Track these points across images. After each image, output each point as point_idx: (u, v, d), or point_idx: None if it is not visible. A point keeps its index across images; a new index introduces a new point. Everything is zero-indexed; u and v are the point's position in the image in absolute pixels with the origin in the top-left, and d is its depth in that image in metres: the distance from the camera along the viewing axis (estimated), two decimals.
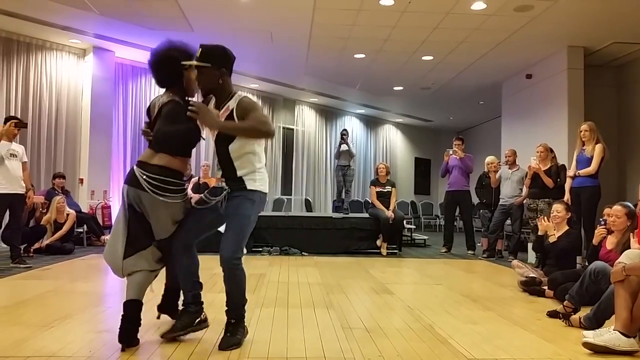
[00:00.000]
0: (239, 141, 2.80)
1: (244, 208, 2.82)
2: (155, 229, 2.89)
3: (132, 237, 2.85)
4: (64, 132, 9.00)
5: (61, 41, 8.81)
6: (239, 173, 2.83)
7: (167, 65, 2.89)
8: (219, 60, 2.85)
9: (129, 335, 2.80)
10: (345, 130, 9.09)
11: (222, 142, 2.83)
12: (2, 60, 8.21)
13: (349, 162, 8.61)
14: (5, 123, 5.73)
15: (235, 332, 2.88)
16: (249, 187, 2.83)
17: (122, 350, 2.75)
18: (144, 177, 2.76)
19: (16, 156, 5.72)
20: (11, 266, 5.65)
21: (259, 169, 2.89)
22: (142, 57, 8.84)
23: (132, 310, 2.81)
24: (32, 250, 6.81)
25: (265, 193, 2.94)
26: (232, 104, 2.84)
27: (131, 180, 2.82)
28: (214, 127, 2.77)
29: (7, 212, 5.74)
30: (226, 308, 2.91)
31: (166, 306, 3.21)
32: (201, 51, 2.83)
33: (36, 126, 8.60)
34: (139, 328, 2.85)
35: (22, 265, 5.69)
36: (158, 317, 3.18)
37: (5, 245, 5.98)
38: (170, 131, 2.76)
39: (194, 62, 2.82)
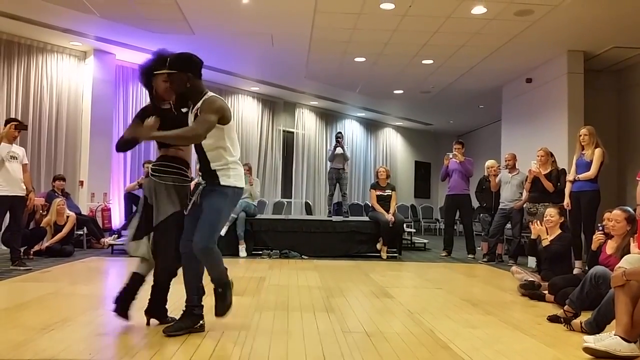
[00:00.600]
0: (210, 138, 3.04)
1: (216, 202, 3.08)
2: (155, 212, 3.16)
3: (141, 223, 3.21)
4: (64, 134, 9.01)
5: (62, 44, 8.83)
6: (212, 166, 3.10)
7: (141, 75, 3.27)
8: (184, 65, 3.09)
9: (124, 303, 3.21)
10: (340, 133, 9.07)
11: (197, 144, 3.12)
12: (3, 63, 8.22)
13: (343, 165, 8.59)
14: (5, 125, 5.73)
15: (224, 297, 3.15)
16: (222, 183, 3.09)
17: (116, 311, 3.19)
18: (150, 166, 3.24)
19: (16, 158, 5.72)
20: (11, 268, 5.65)
21: (232, 162, 3.14)
22: (143, 59, 8.84)
23: (134, 282, 3.24)
24: (32, 252, 6.80)
25: (241, 187, 3.18)
26: (199, 104, 3.09)
27: (146, 173, 3.40)
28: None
29: (7, 214, 5.75)
30: (214, 286, 3.16)
31: (154, 310, 3.26)
32: (169, 60, 3.11)
33: (37, 128, 8.61)
34: (133, 303, 3.24)
35: (22, 268, 5.69)
36: (147, 324, 3.22)
37: (5, 248, 5.97)
38: None
39: (163, 71, 3.13)
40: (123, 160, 9.88)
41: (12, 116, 7.63)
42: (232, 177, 3.11)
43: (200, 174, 3.20)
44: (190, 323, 3.12)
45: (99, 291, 5.00)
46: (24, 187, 5.83)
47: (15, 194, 5.68)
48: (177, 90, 3.13)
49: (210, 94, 3.13)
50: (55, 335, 3.07)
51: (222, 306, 3.15)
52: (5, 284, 4.89)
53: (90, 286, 5.06)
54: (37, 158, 8.62)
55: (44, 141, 8.71)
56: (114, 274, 6.25)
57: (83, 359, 2.66)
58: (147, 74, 3.18)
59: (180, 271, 3.22)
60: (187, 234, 3.10)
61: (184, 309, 3.16)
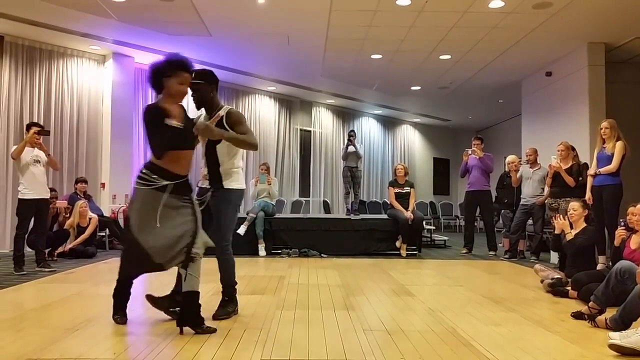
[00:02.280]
0: (224, 143, 3.42)
1: (224, 206, 3.49)
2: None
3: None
4: (85, 137, 9.14)
5: (82, 48, 8.96)
6: (221, 170, 3.47)
7: (152, 75, 3.29)
8: (211, 79, 3.53)
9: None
10: (352, 131, 9.04)
11: (212, 144, 3.45)
12: (25, 68, 8.37)
13: (356, 163, 8.56)
14: (27, 129, 5.85)
15: (226, 306, 3.55)
16: (226, 187, 3.48)
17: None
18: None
19: (40, 162, 5.84)
20: (36, 270, 5.77)
21: (236, 167, 3.54)
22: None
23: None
24: (55, 254, 6.94)
25: (243, 189, 3.61)
26: (221, 113, 3.48)
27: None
28: (219, 137, 3.34)
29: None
30: (222, 289, 3.58)
31: (184, 319, 3.22)
32: (195, 73, 3.38)
33: (58, 132, 8.75)
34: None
35: (46, 269, 5.80)
36: (181, 332, 3.17)
37: (30, 250, 6.09)
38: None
39: (194, 81, 3.39)
40: (143, 161, 9.96)
41: (35, 120, 7.77)
42: (234, 181, 3.51)
43: (207, 177, 3.54)
44: (233, 309, 3.62)
45: None
46: (48, 190, 5.96)
47: (41, 196, 5.80)
48: (200, 99, 3.49)
49: (227, 106, 3.56)
50: (80, 335, 3.12)
51: (221, 312, 3.49)
52: (32, 285, 5.00)
53: (113, 287, 5.13)
54: (59, 161, 8.75)
55: (66, 144, 8.85)
56: None
57: (107, 358, 2.71)
58: (159, 74, 3.23)
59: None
60: (212, 236, 3.36)
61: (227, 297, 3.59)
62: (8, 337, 3.09)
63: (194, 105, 3.56)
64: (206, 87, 3.48)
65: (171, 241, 3.05)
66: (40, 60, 8.57)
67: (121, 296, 3.42)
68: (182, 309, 3.23)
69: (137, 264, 3.22)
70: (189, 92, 3.35)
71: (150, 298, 3.47)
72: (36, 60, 8.52)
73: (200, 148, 3.49)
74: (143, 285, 5.35)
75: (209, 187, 3.52)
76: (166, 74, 3.18)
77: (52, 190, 6.51)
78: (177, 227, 3.08)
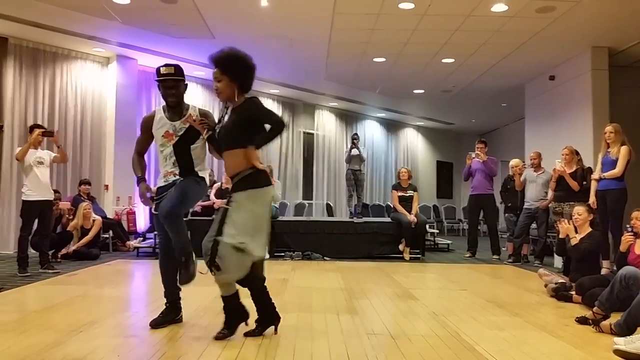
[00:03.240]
0: (198, 144, 3.38)
1: (189, 182, 3.34)
2: None
3: None
4: (89, 139, 9.16)
5: (85, 50, 8.98)
6: (195, 168, 3.39)
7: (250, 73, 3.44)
8: (183, 75, 3.44)
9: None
10: (356, 134, 9.04)
11: (185, 144, 3.36)
12: (29, 70, 8.39)
13: (360, 166, 8.55)
14: (30, 131, 5.86)
15: (187, 266, 3.19)
16: (200, 175, 3.41)
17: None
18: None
19: (43, 163, 5.85)
20: (40, 272, 5.78)
21: (204, 166, 3.49)
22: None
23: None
24: (59, 255, 6.95)
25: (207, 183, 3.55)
26: (192, 112, 3.39)
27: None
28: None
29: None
30: (179, 255, 3.22)
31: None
32: (175, 68, 3.38)
33: (62, 133, 8.75)
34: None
35: (50, 271, 5.81)
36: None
37: (34, 251, 6.10)
38: None
39: (176, 77, 3.37)
40: (147, 163, 9.99)
41: (39, 122, 7.81)
42: (203, 174, 3.44)
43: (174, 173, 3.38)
44: (174, 315, 3.46)
45: (126, 293, 5.08)
46: (52, 192, 5.98)
47: (45, 198, 5.81)
48: (178, 98, 3.39)
49: (191, 104, 3.50)
50: (84, 337, 3.13)
51: (185, 275, 3.21)
52: (35, 287, 5.01)
53: (117, 289, 5.14)
54: (62, 164, 8.78)
55: (70, 146, 8.86)
56: (140, 276, 6.34)
57: None
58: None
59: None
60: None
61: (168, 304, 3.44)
62: (12, 338, 3.09)
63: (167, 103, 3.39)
64: (182, 84, 3.40)
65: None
66: (44, 62, 8.59)
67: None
68: None
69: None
70: (161, 90, 3.34)
71: None
72: (40, 62, 8.54)
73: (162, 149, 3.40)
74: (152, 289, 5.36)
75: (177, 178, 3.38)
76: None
77: (55, 192, 6.53)
78: None
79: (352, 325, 3.55)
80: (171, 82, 3.31)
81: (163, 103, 3.44)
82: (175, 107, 3.36)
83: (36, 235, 6.02)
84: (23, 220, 5.76)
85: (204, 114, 3.42)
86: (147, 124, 3.46)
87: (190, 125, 3.31)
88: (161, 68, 3.34)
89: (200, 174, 3.41)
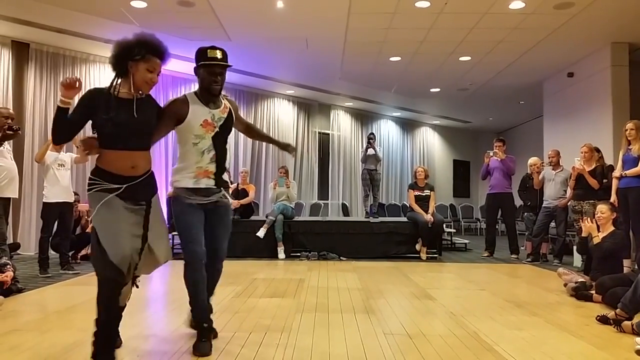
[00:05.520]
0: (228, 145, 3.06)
1: (230, 215, 3.10)
2: None
3: None
4: None
5: (104, 54, 9.08)
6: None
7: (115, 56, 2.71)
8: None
9: None
10: (372, 134, 9.01)
11: (223, 137, 3.00)
12: (49, 74, 8.54)
13: (375, 166, 8.52)
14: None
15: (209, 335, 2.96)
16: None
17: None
18: None
19: (64, 165, 5.94)
20: (60, 272, 5.87)
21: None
22: (182, 67, 9.02)
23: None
24: (79, 257, 7.05)
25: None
26: (226, 104, 3.05)
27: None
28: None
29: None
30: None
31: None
32: (222, 53, 2.99)
33: (81, 135, 8.87)
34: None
35: (70, 272, 5.90)
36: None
37: (54, 253, 6.20)
38: None
39: (224, 63, 2.98)
40: (165, 165, 10.10)
41: None
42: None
43: (214, 179, 2.97)
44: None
45: (144, 293, 5.12)
46: (72, 194, 6.08)
47: (65, 200, 5.90)
48: (222, 85, 2.98)
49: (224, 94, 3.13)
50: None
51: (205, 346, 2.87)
52: (56, 288, 5.08)
53: (136, 289, 5.19)
54: (82, 165, 8.89)
55: None
56: (157, 276, 6.39)
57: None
58: (125, 55, 2.65)
59: None
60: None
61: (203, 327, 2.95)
62: (33, 338, 3.14)
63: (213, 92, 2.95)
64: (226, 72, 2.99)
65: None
66: (64, 67, 8.73)
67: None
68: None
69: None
70: (204, 75, 2.93)
71: None
72: (60, 66, 8.68)
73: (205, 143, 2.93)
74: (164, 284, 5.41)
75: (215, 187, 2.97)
76: (134, 56, 2.64)
77: (75, 194, 6.62)
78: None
79: (369, 325, 3.54)
80: (219, 68, 2.93)
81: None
82: (218, 95, 2.98)
83: (56, 236, 6.11)
84: (43, 222, 5.86)
85: (234, 103, 3.14)
86: (179, 109, 2.91)
87: (228, 115, 2.99)
88: (208, 50, 2.95)
89: (225, 177, 3.07)
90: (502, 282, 5.84)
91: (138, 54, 2.65)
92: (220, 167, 2.98)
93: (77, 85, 2.62)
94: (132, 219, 2.63)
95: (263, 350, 2.92)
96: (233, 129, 3.12)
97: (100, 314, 2.65)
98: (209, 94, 2.95)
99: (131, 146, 2.67)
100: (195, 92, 3.01)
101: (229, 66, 2.98)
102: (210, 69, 2.92)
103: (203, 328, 2.91)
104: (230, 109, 3.04)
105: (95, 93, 2.67)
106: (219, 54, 2.95)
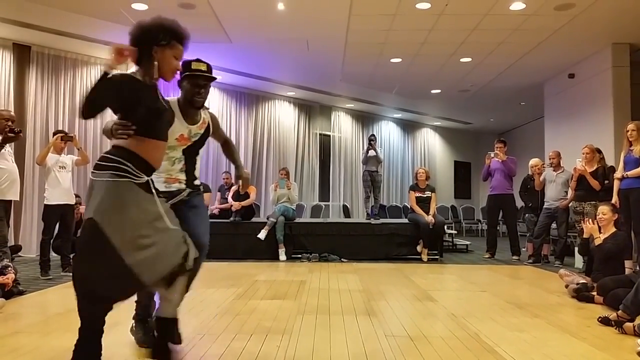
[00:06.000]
0: (202, 151, 3.03)
1: (203, 205, 3.02)
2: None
3: None
4: (109, 143, 9.27)
5: (105, 56, 9.11)
6: (197, 175, 3.02)
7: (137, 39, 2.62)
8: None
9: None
10: (373, 135, 9.02)
11: (195, 151, 2.97)
12: (51, 76, 8.56)
13: (376, 167, 8.52)
14: (54, 136, 5.99)
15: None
16: (197, 184, 2.99)
17: None
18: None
19: (65, 167, 5.95)
20: (62, 275, 5.87)
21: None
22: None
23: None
24: None
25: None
26: (205, 117, 2.99)
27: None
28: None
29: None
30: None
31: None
32: (207, 66, 2.93)
33: (83, 138, 8.90)
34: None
35: (71, 274, 5.89)
36: None
37: (56, 255, 6.21)
38: None
39: (213, 76, 2.95)
40: None
41: (60, 127, 7.93)
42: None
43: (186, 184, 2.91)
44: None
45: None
46: (74, 196, 6.09)
47: (66, 202, 5.91)
48: (205, 99, 2.94)
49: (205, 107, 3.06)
50: (106, 340, 3.14)
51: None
52: (57, 290, 5.09)
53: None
54: (84, 168, 8.91)
55: (90, 151, 8.98)
56: None
57: None
58: (151, 39, 2.54)
59: None
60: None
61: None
62: (35, 341, 3.15)
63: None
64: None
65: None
66: (65, 69, 8.75)
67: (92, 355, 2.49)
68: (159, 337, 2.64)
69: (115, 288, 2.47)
70: (187, 86, 2.86)
71: None
72: (61, 68, 8.70)
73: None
74: None
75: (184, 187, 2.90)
76: (160, 41, 2.52)
77: (76, 196, 6.63)
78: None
79: (371, 327, 3.54)
80: (203, 80, 2.87)
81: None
82: (199, 108, 2.93)
83: (58, 239, 6.12)
84: (44, 224, 5.87)
85: (214, 118, 3.08)
86: (170, 116, 2.72)
87: (205, 131, 2.97)
88: (192, 62, 2.91)
89: (197, 182, 2.98)
90: (504, 283, 5.84)
91: (164, 40, 2.53)
92: (190, 176, 2.93)
93: (126, 53, 2.39)
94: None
95: (264, 352, 2.92)
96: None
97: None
98: (190, 107, 2.91)
99: (164, 138, 2.56)
100: (178, 100, 2.95)
101: (214, 79, 2.95)
102: (194, 80, 2.87)
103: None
104: (209, 123, 3.00)
105: (134, 78, 2.48)
106: (203, 67, 2.90)
